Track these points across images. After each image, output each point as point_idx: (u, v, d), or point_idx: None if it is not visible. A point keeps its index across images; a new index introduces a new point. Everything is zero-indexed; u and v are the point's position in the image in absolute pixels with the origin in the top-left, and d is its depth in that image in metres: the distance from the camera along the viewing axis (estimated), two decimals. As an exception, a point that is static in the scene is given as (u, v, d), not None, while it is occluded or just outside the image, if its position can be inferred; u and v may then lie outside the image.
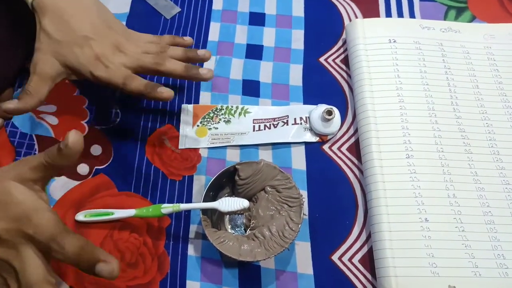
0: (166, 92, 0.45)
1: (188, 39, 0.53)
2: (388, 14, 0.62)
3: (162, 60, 0.47)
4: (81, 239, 0.36)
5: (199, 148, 0.53)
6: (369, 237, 0.48)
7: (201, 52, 0.50)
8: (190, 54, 0.50)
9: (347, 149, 0.53)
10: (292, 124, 0.54)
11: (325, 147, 0.53)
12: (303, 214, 0.45)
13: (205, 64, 0.58)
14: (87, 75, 0.45)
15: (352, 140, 0.54)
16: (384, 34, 0.57)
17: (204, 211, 0.46)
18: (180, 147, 0.53)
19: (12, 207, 0.34)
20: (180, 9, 0.63)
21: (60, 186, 0.51)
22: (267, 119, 0.55)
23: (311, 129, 0.53)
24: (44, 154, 0.37)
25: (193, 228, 0.49)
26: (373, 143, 0.50)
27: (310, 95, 0.57)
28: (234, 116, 0.55)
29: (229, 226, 0.49)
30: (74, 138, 0.36)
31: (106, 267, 0.35)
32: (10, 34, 0.50)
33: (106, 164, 0.52)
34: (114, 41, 0.47)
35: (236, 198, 0.45)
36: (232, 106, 0.56)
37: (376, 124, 0.52)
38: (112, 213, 0.48)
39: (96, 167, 0.52)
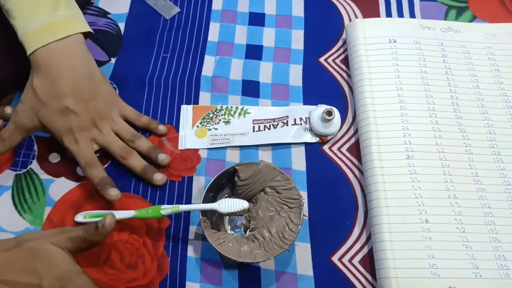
0: (114, 195, 0.47)
1: (161, 130, 0.53)
2: (389, 14, 0.62)
3: (127, 155, 0.50)
4: None
5: (198, 149, 0.53)
6: (369, 238, 0.48)
7: (161, 157, 0.51)
8: (151, 155, 0.51)
9: (347, 150, 0.53)
10: (292, 125, 0.53)
11: (325, 147, 0.53)
12: (303, 215, 0.45)
13: (205, 63, 0.58)
14: (58, 140, 0.49)
15: (352, 140, 0.54)
16: (384, 34, 0.57)
17: (204, 212, 0.46)
18: (179, 147, 0.53)
19: (55, 267, 0.40)
20: (179, 9, 0.63)
21: (60, 187, 0.51)
22: (267, 119, 0.55)
23: (311, 130, 0.53)
24: (82, 229, 0.43)
25: (192, 229, 0.49)
26: (373, 144, 0.50)
27: (310, 96, 0.56)
28: (233, 117, 0.55)
29: (229, 227, 0.49)
30: (111, 220, 0.43)
31: None
32: (8, 39, 0.50)
33: (106, 165, 0.52)
34: (94, 115, 0.49)
35: (235, 199, 0.45)
36: (231, 107, 0.56)
37: (376, 124, 0.51)
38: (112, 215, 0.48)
39: (95, 168, 0.52)
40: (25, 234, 0.43)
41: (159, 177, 0.50)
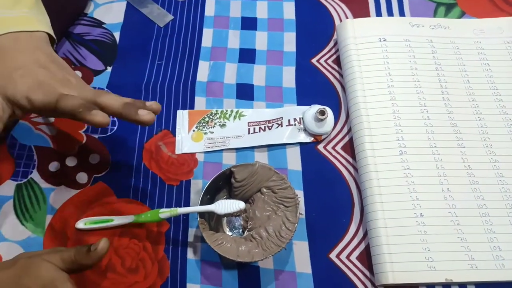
0: (100, 118, 0.40)
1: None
2: (378, 13, 0.63)
3: (100, 95, 0.43)
4: None
5: (195, 152, 0.54)
6: (366, 234, 0.49)
7: (141, 112, 0.43)
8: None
9: (342, 148, 0.54)
10: (287, 126, 0.54)
11: (320, 147, 0.54)
12: (299, 213, 0.46)
13: (199, 69, 0.59)
14: (23, 103, 0.42)
15: (346, 139, 0.54)
16: (374, 33, 0.58)
17: (202, 215, 0.46)
18: (176, 152, 0.54)
19: (41, 277, 0.40)
20: (173, 17, 0.64)
21: (60, 195, 0.51)
22: (261, 121, 0.56)
23: (305, 130, 0.54)
24: (74, 250, 0.43)
25: (191, 231, 0.50)
26: (366, 141, 0.51)
27: (304, 96, 0.57)
28: (229, 120, 0.56)
29: (227, 229, 0.50)
30: (104, 245, 0.43)
31: None
32: None
33: (105, 172, 0.53)
34: (62, 76, 0.44)
35: (232, 200, 0.46)
36: (226, 110, 0.56)
37: (369, 122, 0.52)
38: (112, 220, 0.49)
39: (94, 176, 0.53)
40: (22, 253, 0.44)
41: (144, 112, 0.43)
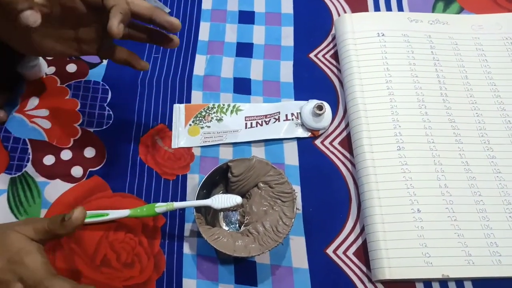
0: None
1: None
2: (377, 8, 0.63)
3: None
4: (69, 283, 0.37)
5: (192, 147, 0.54)
6: (363, 229, 0.49)
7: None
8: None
9: (339, 143, 0.54)
10: (284, 120, 0.54)
11: (317, 142, 0.54)
12: (296, 208, 0.46)
13: (196, 62, 0.59)
14: None
15: (344, 134, 0.54)
16: (373, 28, 0.57)
17: (198, 209, 0.46)
18: (173, 146, 0.54)
19: (7, 249, 0.38)
20: (169, 10, 0.63)
21: (55, 189, 0.51)
22: (259, 116, 0.55)
23: (303, 125, 0.54)
24: (48, 220, 0.41)
25: (188, 226, 0.49)
26: (364, 137, 0.51)
27: (301, 91, 0.57)
28: (226, 114, 0.56)
29: (224, 224, 0.49)
30: (78, 214, 0.40)
31: None
32: None
33: (100, 166, 0.52)
34: None
35: (229, 195, 0.45)
36: (223, 104, 0.56)
37: (367, 117, 0.52)
38: (107, 214, 0.48)
39: (90, 169, 0.52)
40: None
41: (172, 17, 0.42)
